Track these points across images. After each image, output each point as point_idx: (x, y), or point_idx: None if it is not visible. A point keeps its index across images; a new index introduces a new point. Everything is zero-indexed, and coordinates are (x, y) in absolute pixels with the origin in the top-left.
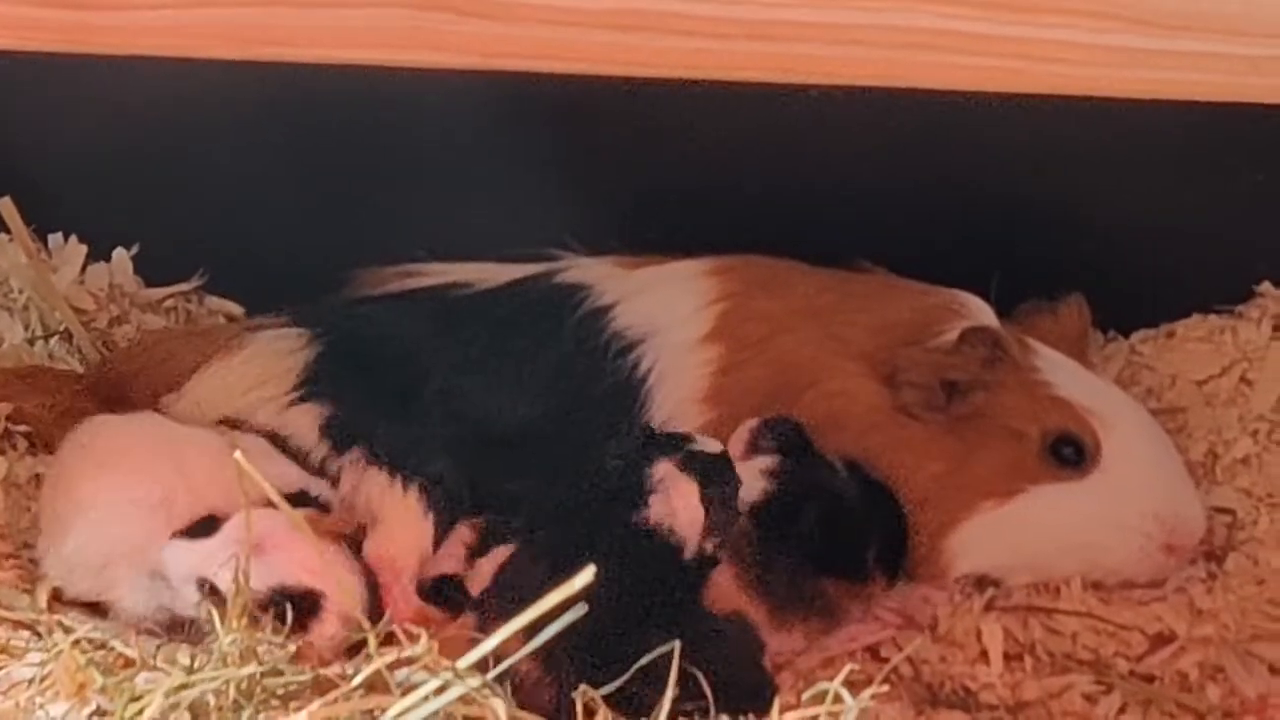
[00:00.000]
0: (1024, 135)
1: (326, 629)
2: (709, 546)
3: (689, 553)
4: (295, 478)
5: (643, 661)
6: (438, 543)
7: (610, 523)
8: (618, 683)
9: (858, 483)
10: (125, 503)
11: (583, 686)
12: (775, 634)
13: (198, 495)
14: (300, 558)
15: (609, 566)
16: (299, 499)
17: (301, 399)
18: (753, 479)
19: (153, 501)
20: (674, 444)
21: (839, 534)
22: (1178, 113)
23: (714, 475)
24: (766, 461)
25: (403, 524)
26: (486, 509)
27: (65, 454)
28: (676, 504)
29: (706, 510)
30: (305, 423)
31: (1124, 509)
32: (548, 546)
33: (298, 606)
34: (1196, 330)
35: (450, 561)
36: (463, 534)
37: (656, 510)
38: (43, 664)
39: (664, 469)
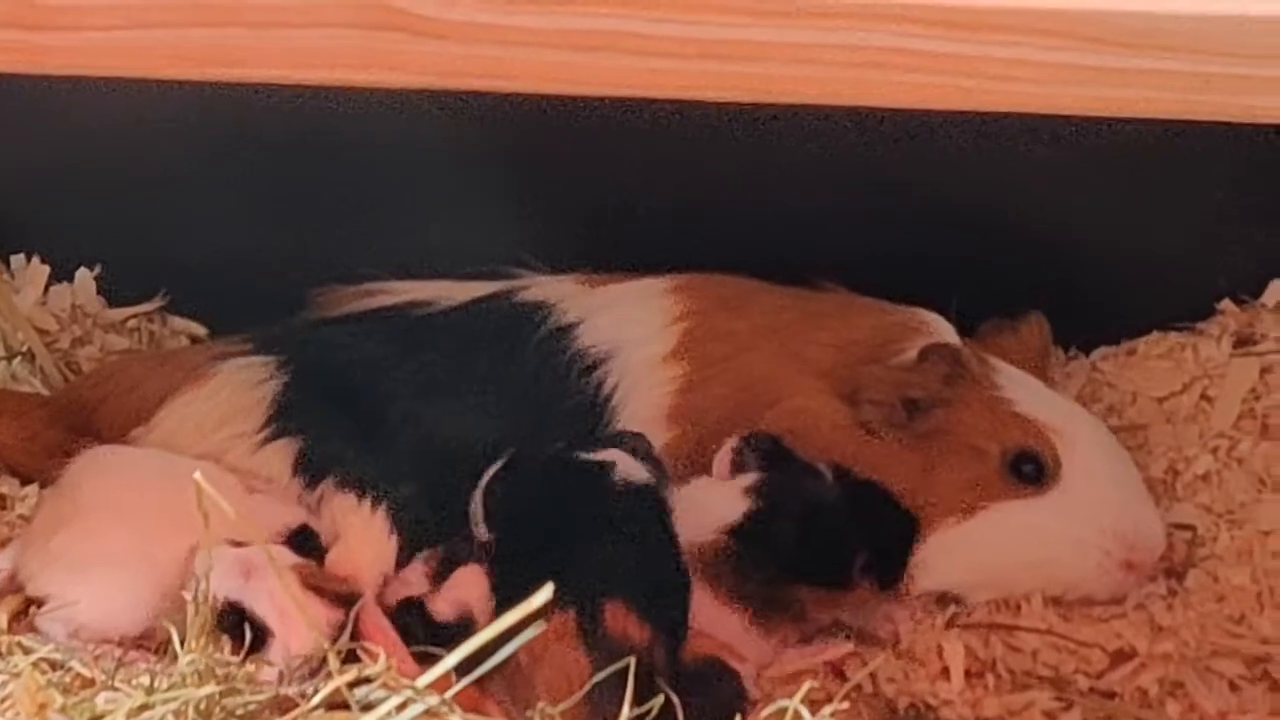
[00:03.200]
0: (984, 154)
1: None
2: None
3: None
4: (298, 515)
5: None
6: (400, 565)
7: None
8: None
9: (846, 490)
10: (122, 517)
11: (540, 705)
12: (758, 642)
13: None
14: (269, 590)
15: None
16: (301, 533)
17: (272, 437)
18: (735, 499)
19: (148, 525)
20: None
21: (820, 545)
22: (1138, 131)
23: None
24: (748, 480)
25: (365, 540)
26: (452, 531)
27: (75, 469)
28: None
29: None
30: (278, 461)
31: (1084, 526)
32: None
33: (247, 631)
34: (1157, 347)
35: (414, 587)
36: (426, 560)
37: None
38: (2, 684)
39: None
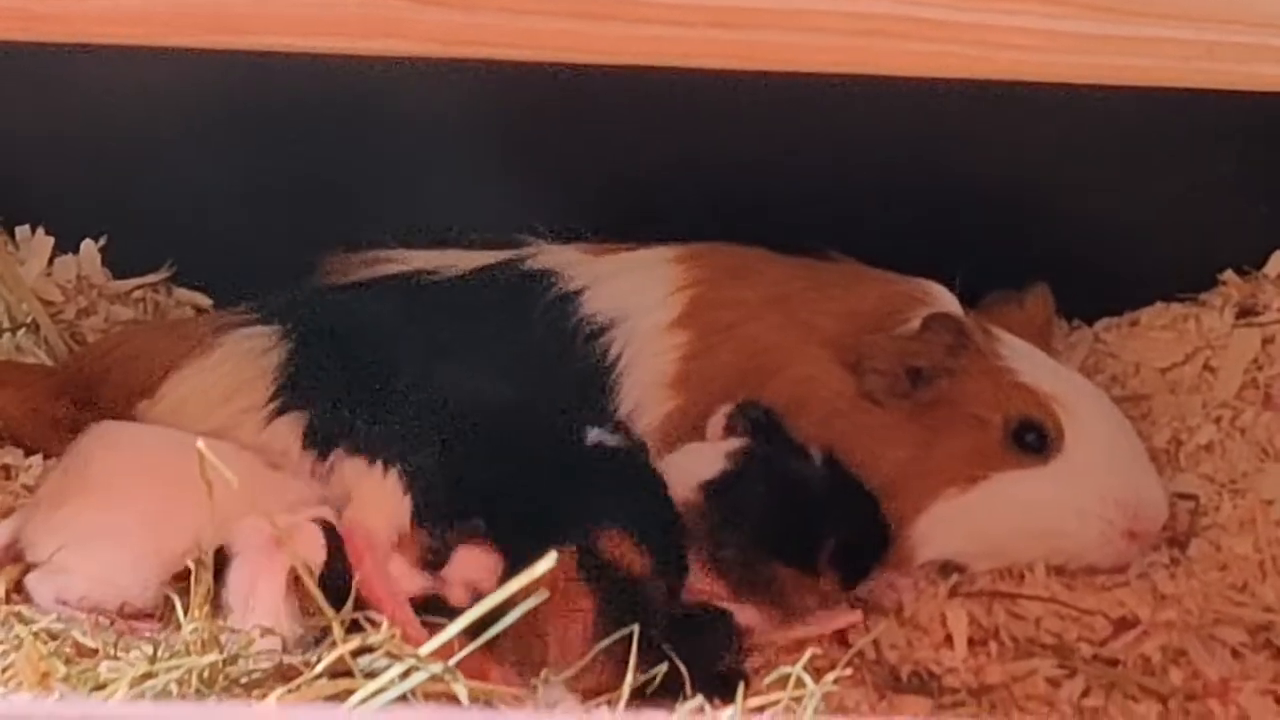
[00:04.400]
0: (989, 125)
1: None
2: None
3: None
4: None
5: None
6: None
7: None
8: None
9: (830, 477)
10: (130, 492)
11: (544, 672)
12: (740, 611)
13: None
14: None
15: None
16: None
17: (280, 410)
18: (714, 459)
19: (157, 500)
20: None
21: (788, 520)
22: (1141, 101)
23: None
24: (732, 444)
25: (378, 502)
26: (461, 500)
27: (85, 442)
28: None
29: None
30: (288, 434)
31: (1086, 495)
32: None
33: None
34: (1160, 318)
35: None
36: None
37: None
38: (3, 654)
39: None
